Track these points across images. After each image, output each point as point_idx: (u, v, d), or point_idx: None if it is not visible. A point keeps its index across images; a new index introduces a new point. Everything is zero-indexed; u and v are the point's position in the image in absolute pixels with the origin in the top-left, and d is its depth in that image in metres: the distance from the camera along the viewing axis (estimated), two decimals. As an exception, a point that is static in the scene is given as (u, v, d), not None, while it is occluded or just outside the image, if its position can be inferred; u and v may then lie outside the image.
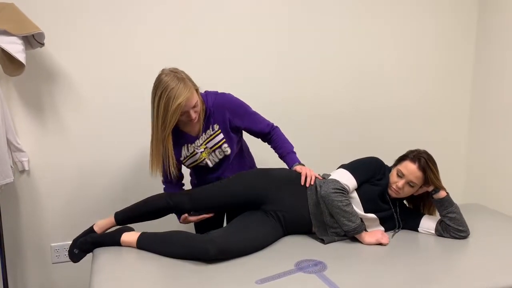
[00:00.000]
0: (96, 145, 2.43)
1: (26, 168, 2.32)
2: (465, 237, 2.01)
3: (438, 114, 3.07)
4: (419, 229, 2.09)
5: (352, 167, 2.06)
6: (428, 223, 2.08)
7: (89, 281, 1.70)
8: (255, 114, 2.10)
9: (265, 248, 1.90)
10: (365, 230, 2.01)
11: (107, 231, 2.01)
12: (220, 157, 2.06)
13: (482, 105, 3.03)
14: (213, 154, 2.04)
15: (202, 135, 2.02)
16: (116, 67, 2.39)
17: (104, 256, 1.84)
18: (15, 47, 2.01)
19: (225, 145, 2.03)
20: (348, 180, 1.99)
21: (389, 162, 2.13)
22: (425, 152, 2.03)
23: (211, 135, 2.02)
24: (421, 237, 2.04)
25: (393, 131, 2.97)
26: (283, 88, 2.69)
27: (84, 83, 2.36)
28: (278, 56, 2.66)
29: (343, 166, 2.08)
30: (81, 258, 1.97)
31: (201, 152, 2.03)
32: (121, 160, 2.49)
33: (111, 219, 2.01)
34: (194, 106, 1.88)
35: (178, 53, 2.47)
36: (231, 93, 2.06)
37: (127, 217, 2.02)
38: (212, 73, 2.52)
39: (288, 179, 2.05)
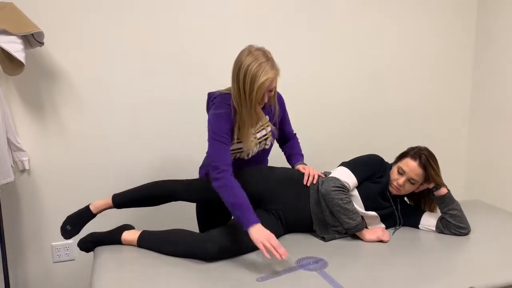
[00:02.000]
0: (96, 144, 2.43)
1: (27, 168, 2.31)
2: (465, 234, 2.01)
3: (439, 112, 3.06)
4: (419, 226, 2.09)
5: (352, 164, 2.05)
6: (428, 220, 2.07)
7: (90, 280, 1.70)
8: (288, 116, 2.16)
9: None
10: (366, 228, 2.01)
11: (102, 229, 2.00)
12: (260, 149, 2.02)
13: (482, 102, 3.03)
14: (258, 145, 1.99)
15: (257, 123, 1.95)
16: (116, 66, 2.39)
17: (105, 254, 1.84)
18: (14, 47, 2.00)
19: (270, 138, 2.01)
20: (348, 177, 1.99)
21: (389, 160, 2.13)
22: (426, 149, 2.03)
23: (261, 125, 1.96)
24: (421, 234, 2.04)
25: (394, 129, 2.97)
26: (284, 88, 2.69)
27: (84, 82, 2.36)
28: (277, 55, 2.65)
29: (343, 164, 2.07)
30: (72, 236, 1.96)
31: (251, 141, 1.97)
32: (121, 159, 2.49)
33: (108, 200, 2.00)
34: (271, 91, 1.85)
35: (178, 53, 2.47)
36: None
37: (125, 200, 2.01)
38: (212, 73, 2.52)
39: (290, 178, 2.04)
